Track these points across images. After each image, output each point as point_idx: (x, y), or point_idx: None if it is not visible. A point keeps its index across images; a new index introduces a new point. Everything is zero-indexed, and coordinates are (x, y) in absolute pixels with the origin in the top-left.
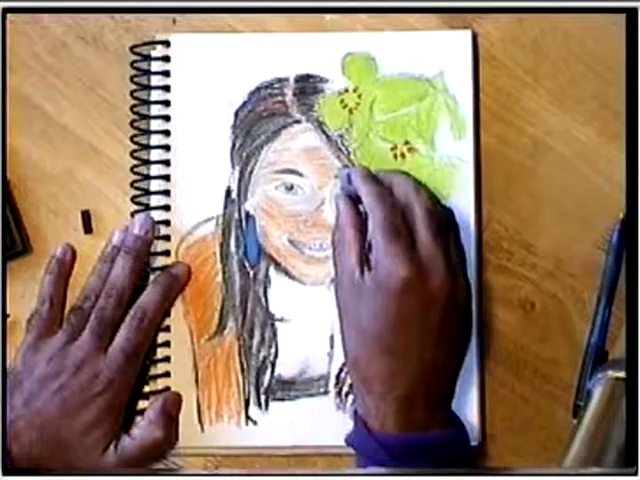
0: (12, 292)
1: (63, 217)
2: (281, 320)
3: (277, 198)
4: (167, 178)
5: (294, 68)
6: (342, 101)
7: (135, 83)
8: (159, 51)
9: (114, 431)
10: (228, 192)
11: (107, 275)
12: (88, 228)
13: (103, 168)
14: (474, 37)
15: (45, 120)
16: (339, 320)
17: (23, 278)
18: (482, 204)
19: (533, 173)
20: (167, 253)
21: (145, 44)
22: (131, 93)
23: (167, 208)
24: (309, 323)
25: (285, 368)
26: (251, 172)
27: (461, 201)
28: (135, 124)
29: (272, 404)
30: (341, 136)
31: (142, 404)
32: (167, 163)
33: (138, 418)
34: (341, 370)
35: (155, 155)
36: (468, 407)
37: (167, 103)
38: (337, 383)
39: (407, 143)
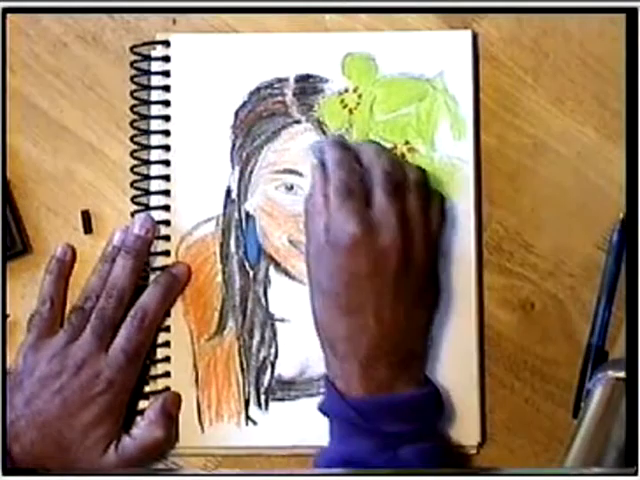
0: (12, 292)
1: (63, 217)
2: (281, 320)
3: (277, 198)
4: (167, 178)
5: (294, 68)
6: (342, 101)
7: (135, 83)
8: (159, 51)
9: (114, 431)
10: (228, 192)
11: (107, 275)
12: (88, 228)
13: (103, 168)
14: (474, 37)
15: (45, 120)
16: (308, 285)
17: (23, 278)
18: (482, 204)
19: (533, 173)
20: (167, 253)
21: (145, 44)
22: (131, 93)
23: (167, 208)
24: (309, 323)
25: (285, 368)
26: (251, 172)
27: (461, 201)
28: (135, 124)
29: (272, 404)
30: (341, 136)
31: (142, 404)
32: (167, 163)
33: (138, 418)
34: None
35: (155, 155)
36: (468, 407)
37: (167, 103)
38: None
39: (407, 143)
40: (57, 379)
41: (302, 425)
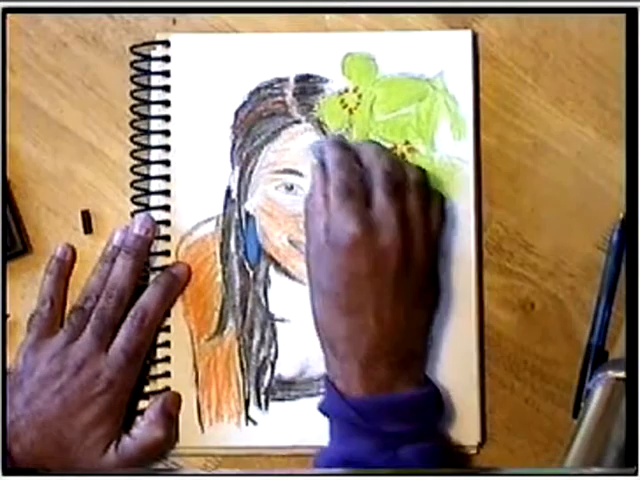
0: (12, 292)
1: (63, 217)
2: (281, 320)
3: (277, 198)
4: (167, 178)
5: (294, 68)
6: (342, 101)
7: (135, 83)
8: (159, 51)
9: (114, 431)
10: (228, 192)
11: (108, 275)
12: (88, 228)
13: (103, 168)
14: (474, 37)
15: (45, 120)
16: (308, 285)
17: (23, 278)
18: (482, 204)
19: (533, 173)
20: (167, 253)
21: (145, 44)
22: (131, 93)
23: (167, 208)
24: (309, 323)
25: (285, 368)
26: (251, 172)
27: (461, 201)
28: (135, 124)
29: (272, 404)
30: (341, 136)
31: (142, 404)
32: (167, 163)
33: (138, 418)
34: None
35: (155, 155)
36: (468, 407)
37: (167, 103)
38: None
39: (407, 143)
40: (57, 379)
41: (302, 425)
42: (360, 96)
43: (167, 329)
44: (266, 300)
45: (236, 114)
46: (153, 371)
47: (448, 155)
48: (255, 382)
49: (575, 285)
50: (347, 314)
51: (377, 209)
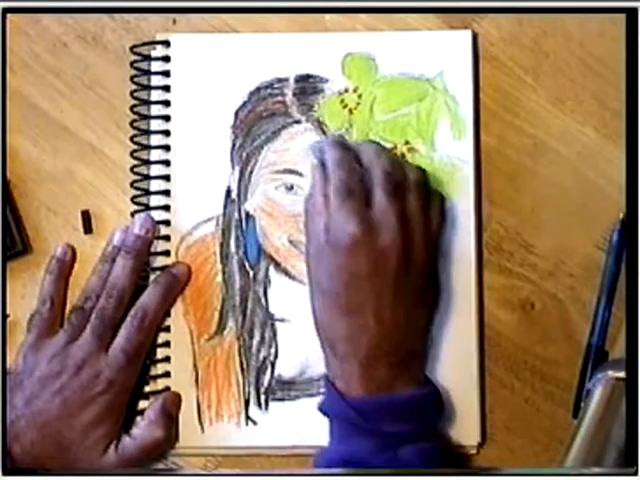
0: (12, 292)
1: (63, 217)
2: (281, 320)
3: (277, 198)
4: (167, 178)
5: (294, 68)
6: (342, 101)
7: (135, 83)
8: (159, 51)
9: (114, 431)
10: (228, 192)
11: (108, 275)
12: (88, 228)
13: (103, 168)
14: (474, 37)
15: (45, 120)
16: (308, 285)
17: (23, 278)
18: (482, 204)
19: (533, 173)
20: (167, 253)
21: (145, 44)
22: (131, 93)
23: (167, 208)
24: (309, 323)
25: (285, 368)
26: (251, 172)
27: (461, 201)
28: (135, 124)
29: (272, 404)
30: (341, 136)
31: (142, 404)
32: (167, 163)
33: (138, 418)
34: None
35: (155, 155)
36: (468, 407)
37: (167, 103)
38: None
39: (407, 143)
40: (57, 379)
41: (302, 425)
42: (360, 96)
43: (167, 329)
44: (266, 300)
45: (236, 114)
46: (153, 371)
47: (448, 155)
48: (255, 382)
49: (575, 285)
50: (347, 314)
51: (377, 209)
